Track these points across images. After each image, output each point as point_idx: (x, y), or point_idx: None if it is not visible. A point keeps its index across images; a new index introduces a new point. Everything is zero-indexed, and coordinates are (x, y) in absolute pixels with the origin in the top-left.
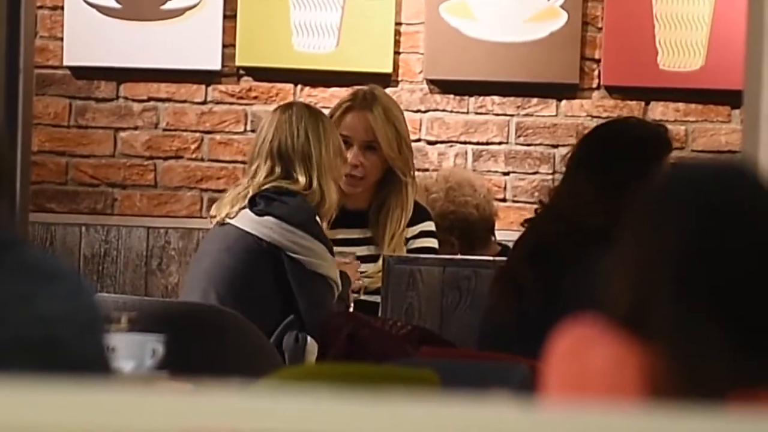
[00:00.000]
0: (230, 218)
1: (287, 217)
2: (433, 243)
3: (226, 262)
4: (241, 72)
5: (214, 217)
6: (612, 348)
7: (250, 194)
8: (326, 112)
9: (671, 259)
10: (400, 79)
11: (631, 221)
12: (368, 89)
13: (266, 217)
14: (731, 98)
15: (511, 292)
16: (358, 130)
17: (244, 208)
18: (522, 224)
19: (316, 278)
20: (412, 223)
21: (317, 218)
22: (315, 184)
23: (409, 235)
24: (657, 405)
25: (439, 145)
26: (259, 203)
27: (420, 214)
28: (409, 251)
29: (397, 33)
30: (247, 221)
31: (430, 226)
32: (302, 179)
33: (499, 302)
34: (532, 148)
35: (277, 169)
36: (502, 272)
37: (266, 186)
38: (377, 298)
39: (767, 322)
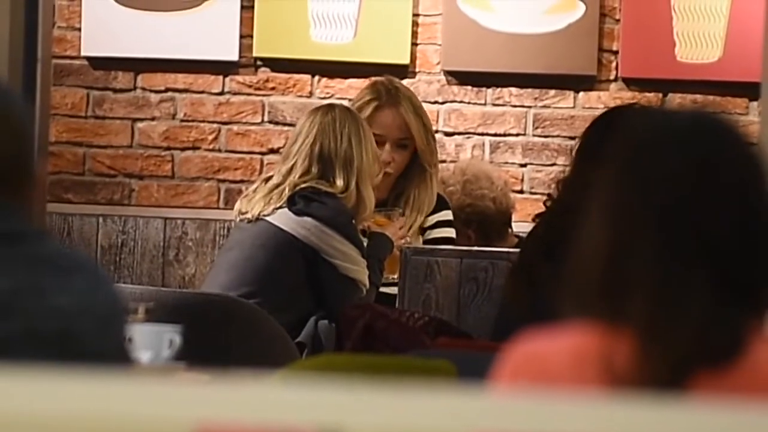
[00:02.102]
0: (265, 215)
1: (326, 219)
2: (450, 233)
3: (260, 258)
4: (259, 63)
5: (244, 213)
6: (569, 347)
7: (287, 193)
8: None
9: (651, 212)
10: (417, 70)
11: (609, 174)
12: (387, 82)
13: (305, 218)
14: (749, 90)
15: (526, 286)
16: (392, 128)
17: (281, 206)
18: (533, 219)
19: (347, 282)
20: (436, 209)
21: (353, 222)
22: (352, 188)
23: (425, 225)
24: (624, 395)
25: (456, 137)
26: (297, 202)
27: (438, 204)
28: (426, 242)
29: (415, 24)
30: (284, 219)
31: (447, 215)
32: (340, 183)
33: (515, 297)
34: (549, 139)
35: (314, 170)
36: (517, 267)
37: (303, 185)
38: (395, 290)
39: (749, 277)
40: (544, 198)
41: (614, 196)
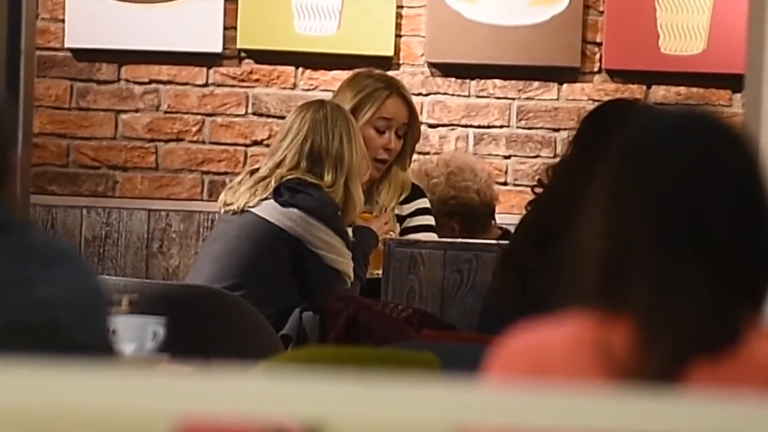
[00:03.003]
0: (250, 207)
1: (312, 210)
2: (430, 220)
3: (245, 249)
4: (243, 54)
5: (230, 204)
6: (566, 336)
7: (273, 185)
8: (338, 96)
9: (652, 204)
10: (401, 62)
11: (610, 167)
12: (380, 74)
13: (291, 209)
14: (732, 82)
15: (516, 274)
16: (401, 114)
17: (267, 198)
18: (525, 207)
19: (332, 273)
20: (406, 200)
21: (339, 213)
22: (340, 184)
23: (404, 213)
24: (618, 387)
25: (440, 129)
26: (283, 194)
27: (414, 192)
28: (407, 229)
29: (399, 16)
30: (270, 211)
31: (425, 203)
32: (328, 178)
33: (504, 284)
34: (533, 131)
35: (304, 164)
36: (507, 254)
37: (289, 177)
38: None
39: (747, 269)
40: (532, 187)
41: (614, 189)
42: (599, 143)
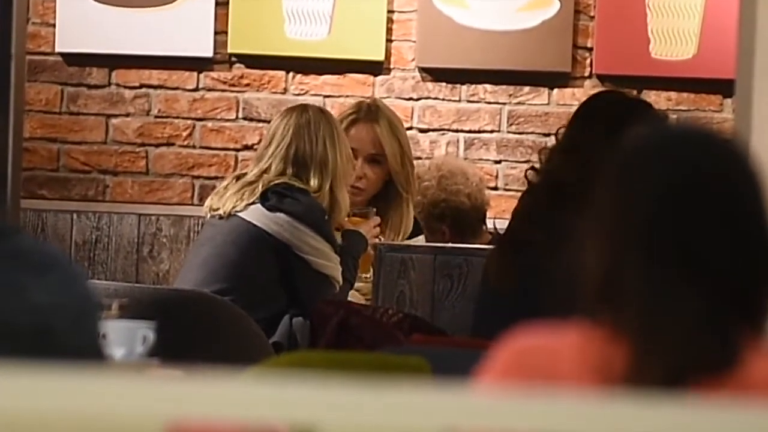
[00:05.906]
0: (237, 211)
1: (299, 215)
2: None
3: (232, 254)
4: (233, 59)
5: (216, 209)
6: (570, 344)
7: (260, 189)
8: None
9: (642, 224)
10: (392, 66)
11: (603, 187)
12: (371, 101)
13: (277, 214)
14: (723, 87)
15: (513, 263)
16: (365, 142)
17: (254, 202)
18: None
19: (320, 278)
20: (411, 234)
21: (326, 218)
22: (326, 189)
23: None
24: (620, 393)
25: (431, 133)
26: (270, 198)
27: (415, 228)
28: None
29: (390, 21)
30: (256, 215)
31: (423, 241)
32: (314, 183)
33: (500, 275)
34: (524, 136)
35: (290, 171)
36: (504, 242)
37: (276, 182)
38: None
39: (743, 288)
40: (520, 194)
41: (607, 208)
42: (595, 125)
